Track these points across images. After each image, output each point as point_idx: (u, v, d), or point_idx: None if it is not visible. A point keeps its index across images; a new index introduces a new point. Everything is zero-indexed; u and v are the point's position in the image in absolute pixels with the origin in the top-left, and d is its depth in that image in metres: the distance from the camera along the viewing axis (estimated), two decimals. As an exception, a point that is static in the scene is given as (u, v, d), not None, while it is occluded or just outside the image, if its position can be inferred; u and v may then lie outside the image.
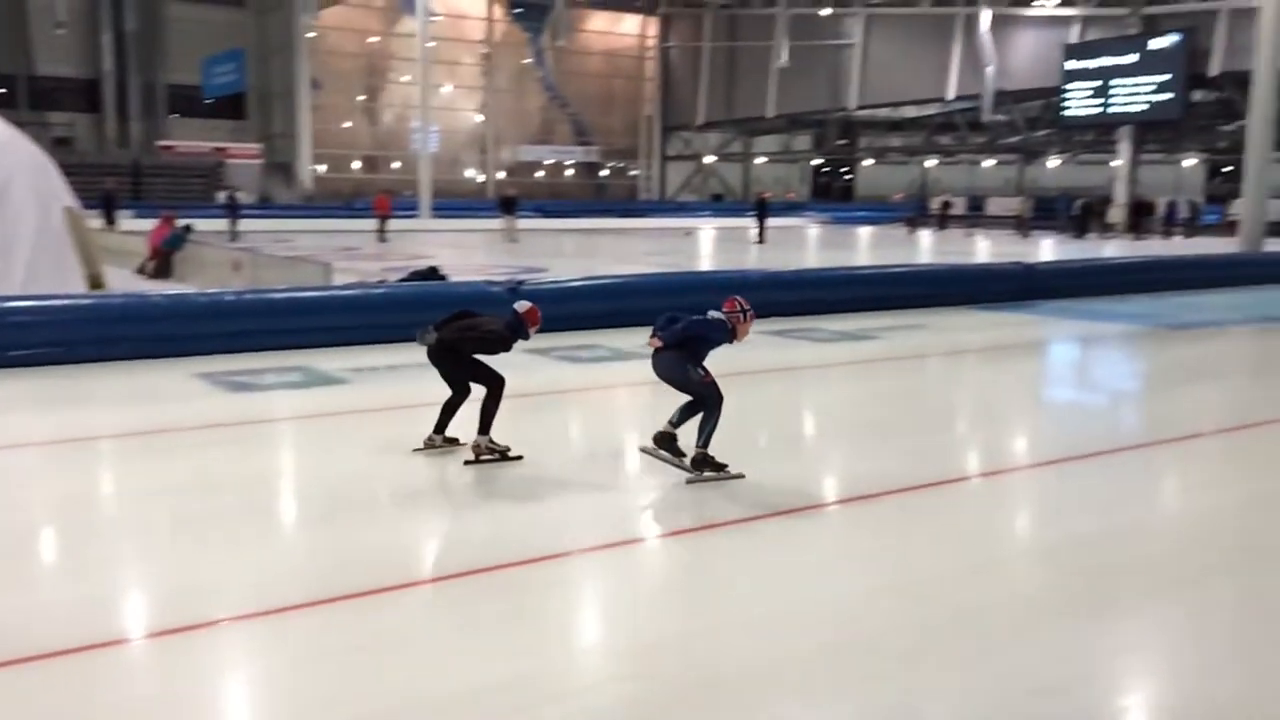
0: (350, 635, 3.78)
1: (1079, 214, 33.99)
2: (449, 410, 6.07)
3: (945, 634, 3.86)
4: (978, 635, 3.86)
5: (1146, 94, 36.50)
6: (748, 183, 55.14)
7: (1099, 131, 40.05)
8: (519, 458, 5.96)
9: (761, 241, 28.12)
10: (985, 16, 40.50)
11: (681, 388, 5.68)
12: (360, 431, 7.05)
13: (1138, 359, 11.20)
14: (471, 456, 5.91)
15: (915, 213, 39.84)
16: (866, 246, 29.83)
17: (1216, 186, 41.22)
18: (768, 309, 11.18)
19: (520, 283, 11.56)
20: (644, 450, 5.92)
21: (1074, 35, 39.16)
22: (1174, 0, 36.37)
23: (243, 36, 44.00)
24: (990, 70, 40.58)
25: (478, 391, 6.01)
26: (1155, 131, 38.59)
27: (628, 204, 50.82)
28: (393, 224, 28.56)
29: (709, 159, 56.50)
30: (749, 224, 30.74)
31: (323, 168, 46.75)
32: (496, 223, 28.92)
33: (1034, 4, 40.76)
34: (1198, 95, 36.74)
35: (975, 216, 42.13)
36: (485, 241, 27.49)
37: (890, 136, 51.95)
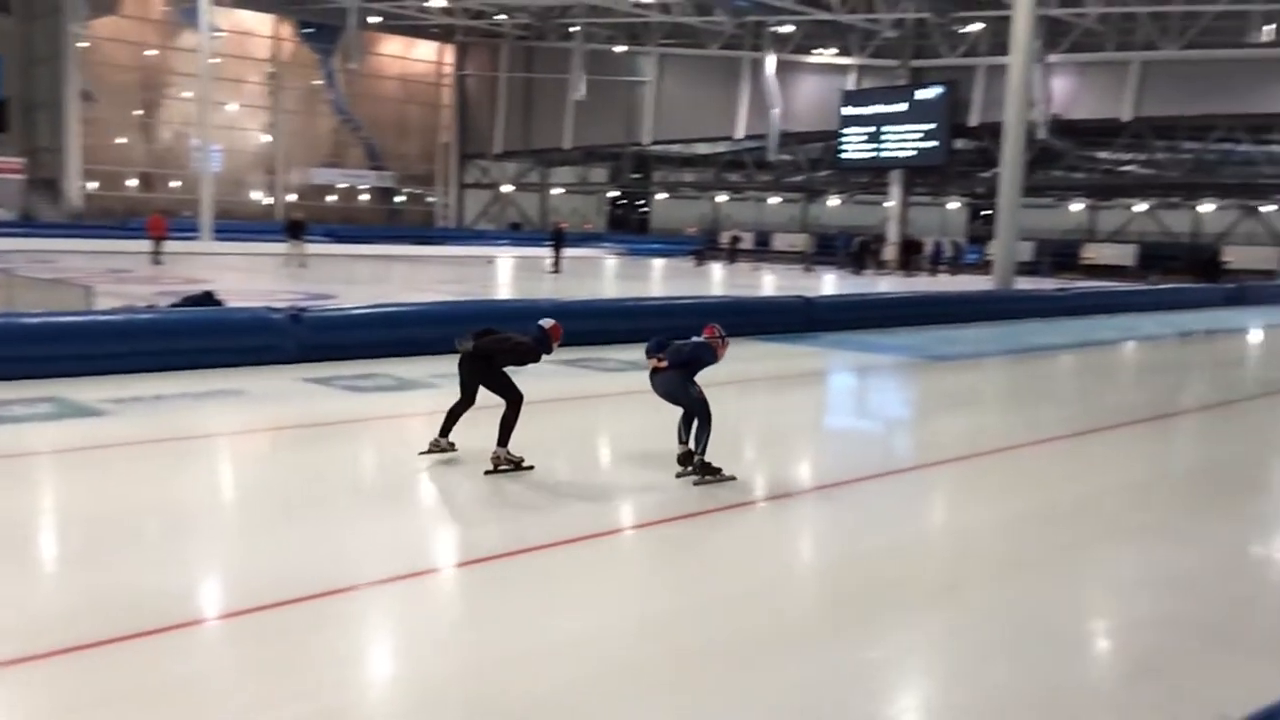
0: (119, 681, 3.53)
1: (856, 251, 35.99)
2: (453, 416, 6.44)
3: (715, 659, 3.95)
4: (746, 659, 3.97)
5: (914, 141, 39.23)
6: (545, 213, 55.42)
7: (873, 174, 42.72)
8: (530, 468, 6.28)
9: (557, 271, 28.29)
10: (770, 61, 42.43)
11: (677, 402, 6.39)
12: (118, 465, 6.58)
13: (907, 388, 11.92)
14: (490, 466, 6.20)
15: (704, 246, 41.09)
16: (658, 278, 30.48)
17: (977, 228, 44.53)
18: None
19: (303, 310, 11.15)
20: (679, 476, 6.31)
21: (851, 83, 41.60)
22: (938, 55, 39.22)
23: (5, 43, 40.76)
24: (775, 112, 42.50)
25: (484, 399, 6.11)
26: (922, 176, 41.55)
27: (424, 231, 49.99)
28: (170, 246, 27.06)
29: (507, 188, 56.48)
30: (545, 254, 30.87)
31: (93, 185, 43.68)
32: (283, 247, 27.85)
33: (814, 52, 43.02)
34: (959, 143, 39.80)
35: (762, 251, 43.92)
36: (271, 266, 26.40)
37: (683, 171, 53.53)
